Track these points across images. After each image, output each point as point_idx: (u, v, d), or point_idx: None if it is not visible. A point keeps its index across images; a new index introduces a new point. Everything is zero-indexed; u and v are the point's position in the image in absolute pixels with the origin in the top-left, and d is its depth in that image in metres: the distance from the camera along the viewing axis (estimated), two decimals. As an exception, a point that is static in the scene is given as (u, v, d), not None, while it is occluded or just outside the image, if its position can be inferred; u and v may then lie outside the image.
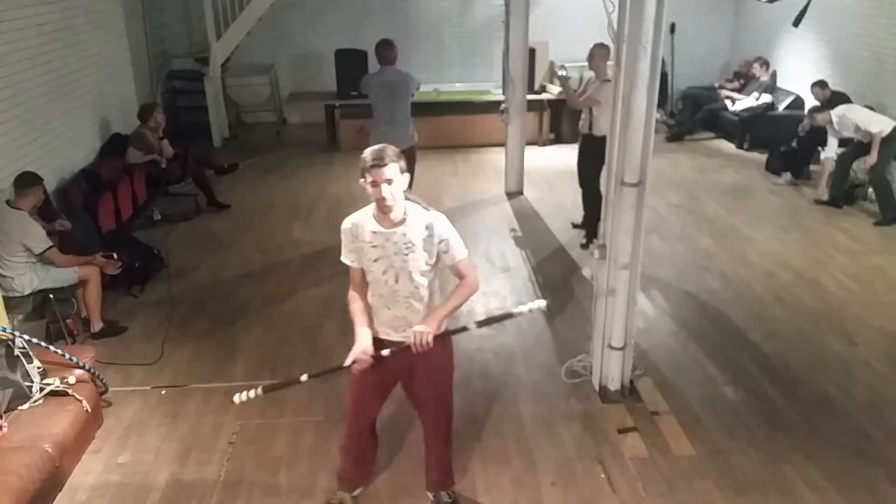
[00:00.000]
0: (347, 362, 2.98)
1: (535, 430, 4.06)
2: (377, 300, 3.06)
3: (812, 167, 8.33)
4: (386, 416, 3.67)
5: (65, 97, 6.78)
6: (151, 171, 7.41)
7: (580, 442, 3.97)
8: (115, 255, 5.35)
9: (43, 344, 4.00)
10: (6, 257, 4.77)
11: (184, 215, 7.39)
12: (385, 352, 3.00)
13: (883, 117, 7.25)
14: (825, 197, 7.52)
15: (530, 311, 3.06)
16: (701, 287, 5.77)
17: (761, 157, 8.89)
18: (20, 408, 3.76)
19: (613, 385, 4.33)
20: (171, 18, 10.40)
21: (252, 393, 3.09)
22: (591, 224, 6.42)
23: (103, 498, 3.62)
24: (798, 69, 9.38)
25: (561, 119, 9.82)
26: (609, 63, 5.62)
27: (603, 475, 3.71)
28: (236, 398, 3.09)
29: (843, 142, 7.58)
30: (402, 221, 2.92)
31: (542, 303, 3.11)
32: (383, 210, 2.88)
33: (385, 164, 2.80)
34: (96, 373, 4.16)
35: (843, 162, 7.42)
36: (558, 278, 5.96)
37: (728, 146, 9.74)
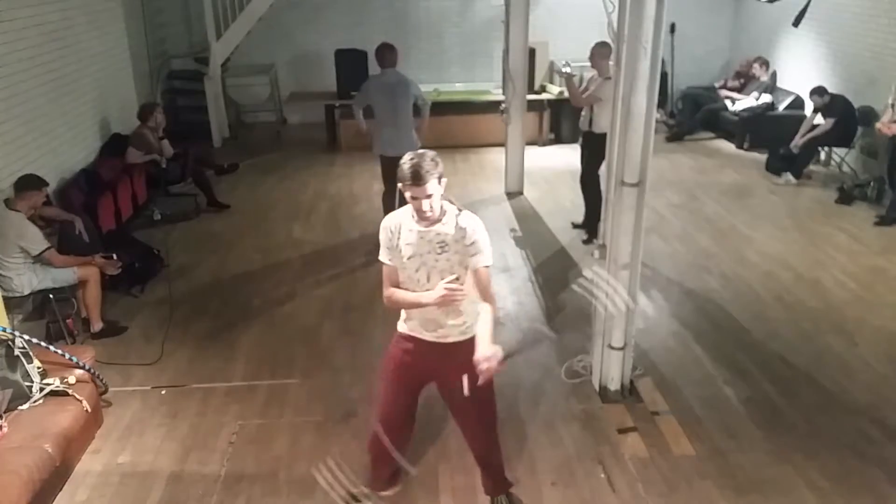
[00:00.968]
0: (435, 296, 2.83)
1: (535, 430, 4.06)
2: None
3: (812, 167, 8.34)
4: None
5: (65, 97, 6.78)
6: (151, 171, 7.41)
7: (580, 442, 3.97)
8: (114, 256, 5.34)
9: (43, 344, 4.00)
10: (4, 258, 4.76)
11: (184, 215, 7.38)
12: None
13: None
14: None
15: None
16: (701, 287, 5.77)
17: (761, 157, 8.88)
18: (20, 408, 3.76)
19: (613, 385, 4.33)
20: (171, 18, 10.39)
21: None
22: (591, 222, 6.43)
23: (103, 498, 3.63)
24: (798, 69, 9.38)
25: (561, 119, 9.81)
26: (609, 62, 5.62)
27: (603, 475, 3.71)
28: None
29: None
30: (439, 220, 2.91)
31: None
32: (423, 218, 2.87)
33: (425, 182, 2.74)
34: (96, 373, 4.16)
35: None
36: (558, 278, 5.96)
37: (728, 146, 9.74)
